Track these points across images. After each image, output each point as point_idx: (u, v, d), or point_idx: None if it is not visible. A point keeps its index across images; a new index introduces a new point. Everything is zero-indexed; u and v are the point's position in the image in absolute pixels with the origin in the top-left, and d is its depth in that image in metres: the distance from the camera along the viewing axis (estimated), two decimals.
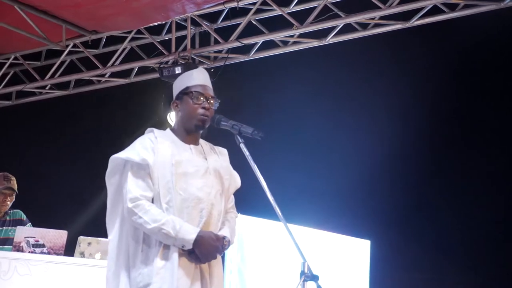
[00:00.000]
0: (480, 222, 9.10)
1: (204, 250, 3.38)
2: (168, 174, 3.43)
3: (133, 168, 3.43)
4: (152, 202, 3.42)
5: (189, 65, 7.72)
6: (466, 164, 9.43)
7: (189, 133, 3.60)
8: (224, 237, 3.47)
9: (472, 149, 9.40)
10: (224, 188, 3.58)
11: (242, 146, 3.48)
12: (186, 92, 3.58)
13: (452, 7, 7.16)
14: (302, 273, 3.24)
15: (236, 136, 3.50)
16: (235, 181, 3.68)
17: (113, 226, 3.51)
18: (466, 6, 7.10)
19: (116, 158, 3.48)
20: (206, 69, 8.19)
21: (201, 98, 3.56)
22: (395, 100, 8.92)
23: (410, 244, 9.41)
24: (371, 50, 8.54)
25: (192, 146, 3.58)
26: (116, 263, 3.48)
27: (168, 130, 3.62)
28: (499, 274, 9.09)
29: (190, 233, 3.36)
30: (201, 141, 3.66)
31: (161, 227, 3.33)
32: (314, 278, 3.23)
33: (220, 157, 3.65)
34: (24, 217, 6.41)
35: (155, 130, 3.59)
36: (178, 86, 3.64)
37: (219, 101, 3.62)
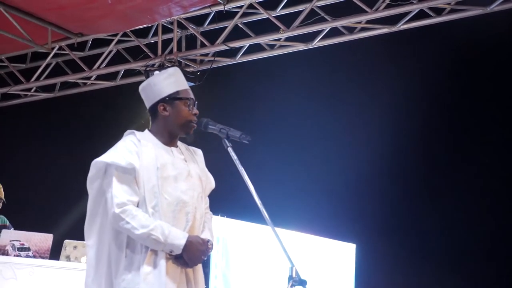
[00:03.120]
0: (463, 227, 9.13)
1: (192, 255, 3.36)
2: (153, 178, 3.38)
3: (118, 172, 3.35)
4: (137, 206, 3.36)
5: None
6: (451, 170, 9.46)
7: (172, 136, 3.54)
8: (208, 241, 3.45)
9: (458, 156, 9.44)
10: (203, 189, 3.56)
11: (230, 150, 3.44)
12: (179, 97, 3.50)
13: (439, 11, 7.19)
14: (290, 277, 3.22)
15: (224, 140, 3.45)
16: (210, 182, 3.65)
17: (92, 231, 3.44)
18: (453, 11, 7.13)
19: (99, 162, 3.40)
20: (192, 72, 8.28)
21: (194, 106, 3.53)
22: (386, 104, 8.93)
23: (395, 248, 9.43)
24: (361, 53, 8.55)
25: (173, 148, 3.53)
26: (96, 270, 3.41)
27: (147, 132, 3.54)
28: (483, 277, 9.12)
29: (179, 238, 3.33)
30: (178, 142, 3.61)
31: (150, 232, 3.28)
32: (302, 283, 3.21)
33: (197, 158, 3.62)
34: (7, 222, 6.37)
35: (136, 132, 3.52)
36: (163, 89, 3.50)
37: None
